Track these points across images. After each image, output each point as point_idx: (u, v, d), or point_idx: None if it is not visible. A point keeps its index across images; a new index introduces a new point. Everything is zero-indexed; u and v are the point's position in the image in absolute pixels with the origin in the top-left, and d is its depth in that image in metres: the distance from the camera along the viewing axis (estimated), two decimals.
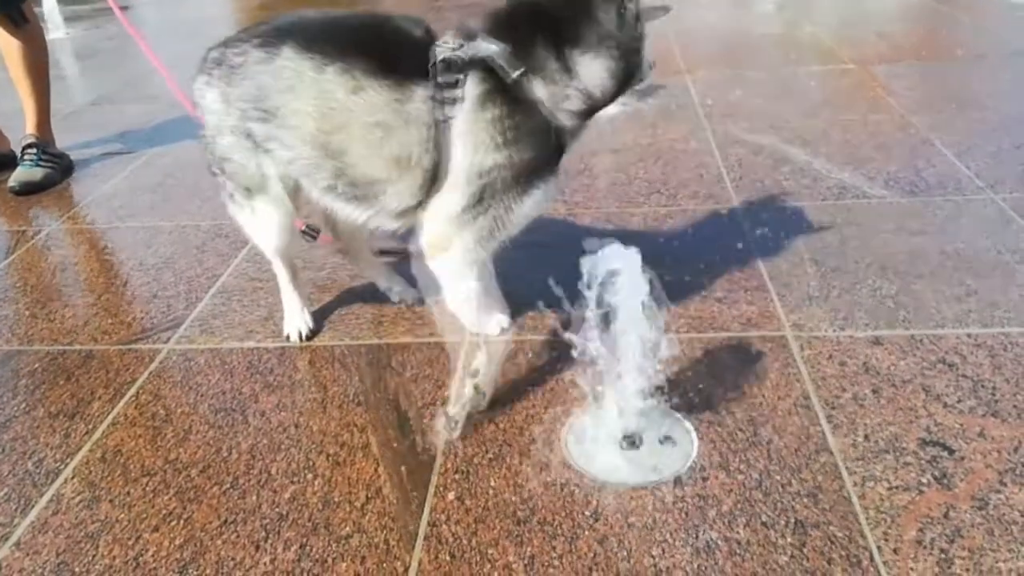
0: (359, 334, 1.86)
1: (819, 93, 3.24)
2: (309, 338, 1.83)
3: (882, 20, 4.51)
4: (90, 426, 1.61)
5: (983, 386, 1.52)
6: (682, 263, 2.04)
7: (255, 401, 1.65)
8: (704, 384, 1.58)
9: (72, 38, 5.71)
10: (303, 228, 1.84)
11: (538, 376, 1.65)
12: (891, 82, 3.28)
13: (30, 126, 3.01)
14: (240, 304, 2.01)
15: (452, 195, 1.54)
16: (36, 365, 1.82)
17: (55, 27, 5.66)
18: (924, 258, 1.98)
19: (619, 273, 1.30)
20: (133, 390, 1.71)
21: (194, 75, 1.62)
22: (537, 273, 2.04)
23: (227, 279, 2.13)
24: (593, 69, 1.46)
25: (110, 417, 1.63)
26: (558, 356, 1.70)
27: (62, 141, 3.12)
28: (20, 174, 2.88)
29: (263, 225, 1.68)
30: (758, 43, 4.10)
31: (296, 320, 1.85)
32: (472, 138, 1.48)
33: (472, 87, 1.46)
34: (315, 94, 1.49)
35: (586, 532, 1.27)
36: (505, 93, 1.46)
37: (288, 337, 1.83)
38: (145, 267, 2.24)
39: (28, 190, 2.86)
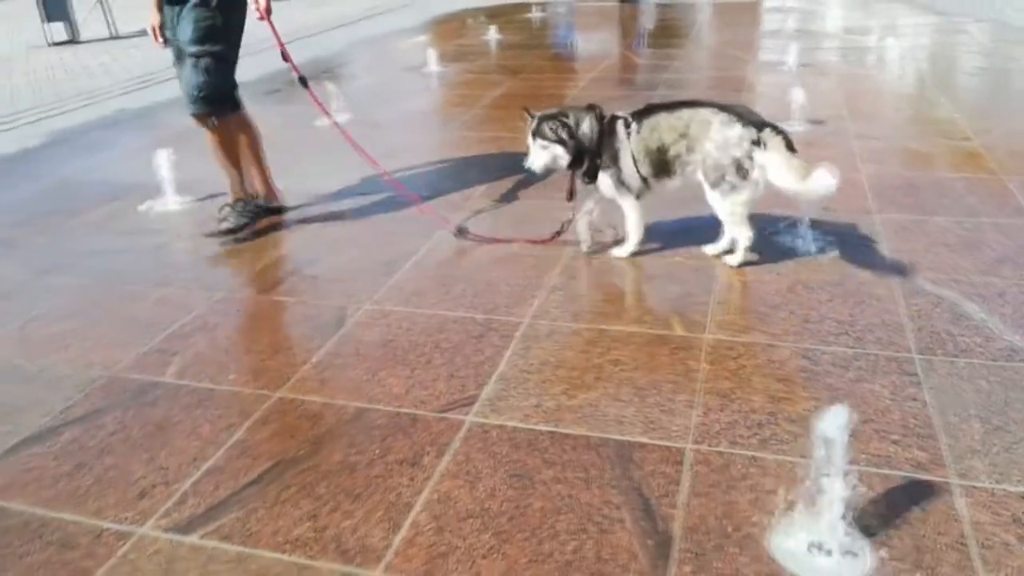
0: (606, 428, 2.48)
1: (1001, 247, 3.60)
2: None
3: None
4: (425, 474, 2.31)
5: None
6: (866, 404, 2.53)
7: (538, 472, 2.30)
8: (881, 513, 2.07)
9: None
10: None
11: (750, 487, 2.20)
12: None
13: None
14: (516, 391, 2.69)
15: None
16: (381, 421, 2.56)
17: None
18: None
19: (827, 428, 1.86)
20: (451, 451, 2.40)
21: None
22: (744, 403, 2.59)
23: (504, 368, 2.82)
24: None
25: (438, 469, 2.33)
26: (763, 471, 2.25)
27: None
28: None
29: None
30: (946, 185, 4.46)
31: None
32: None
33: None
34: None
35: None
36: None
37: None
38: (441, 349, 2.97)
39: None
